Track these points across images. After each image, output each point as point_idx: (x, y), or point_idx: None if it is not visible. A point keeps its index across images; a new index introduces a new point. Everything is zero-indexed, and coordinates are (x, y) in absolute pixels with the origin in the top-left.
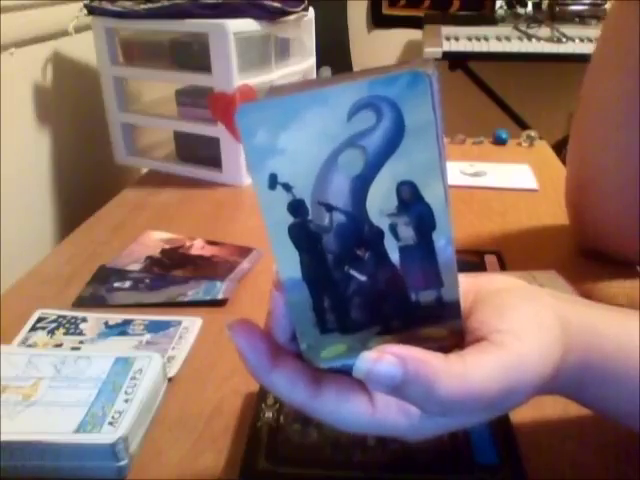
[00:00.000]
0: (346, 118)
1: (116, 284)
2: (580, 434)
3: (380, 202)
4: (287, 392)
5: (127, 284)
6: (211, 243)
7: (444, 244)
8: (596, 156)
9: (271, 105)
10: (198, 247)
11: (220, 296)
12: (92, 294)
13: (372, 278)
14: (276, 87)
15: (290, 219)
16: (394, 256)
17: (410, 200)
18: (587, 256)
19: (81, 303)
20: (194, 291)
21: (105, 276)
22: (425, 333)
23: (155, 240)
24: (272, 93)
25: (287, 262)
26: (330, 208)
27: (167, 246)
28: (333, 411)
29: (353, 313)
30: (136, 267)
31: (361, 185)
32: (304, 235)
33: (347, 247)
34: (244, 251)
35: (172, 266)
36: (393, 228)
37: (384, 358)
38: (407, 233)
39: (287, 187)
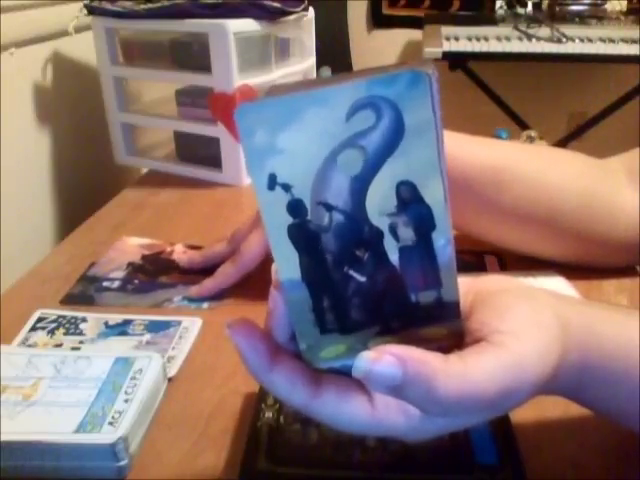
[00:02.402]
0: (345, 118)
1: (105, 283)
2: (581, 434)
3: (379, 202)
4: (286, 392)
5: (116, 284)
6: (192, 247)
7: (443, 244)
8: None
9: (270, 105)
10: (179, 252)
11: (205, 306)
12: (81, 292)
13: (371, 278)
14: (275, 86)
15: (289, 219)
16: (393, 256)
17: (409, 200)
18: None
19: (69, 301)
20: (180, 297)
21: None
22: (425, 333)
23: (132, 246)
24: (271, 93)
25: (286, 262)
26: (329, 208)
27: (147, 252)
28: (332, 412)
29: (353, 313)
30: (119, 275)
31: (360, 185)
32: (303, 235)
33: (346, 247)
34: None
35: (156, 272)
36: (392, 228)
37: (384, 358)
38: (406, 233)
39: (286, 187)
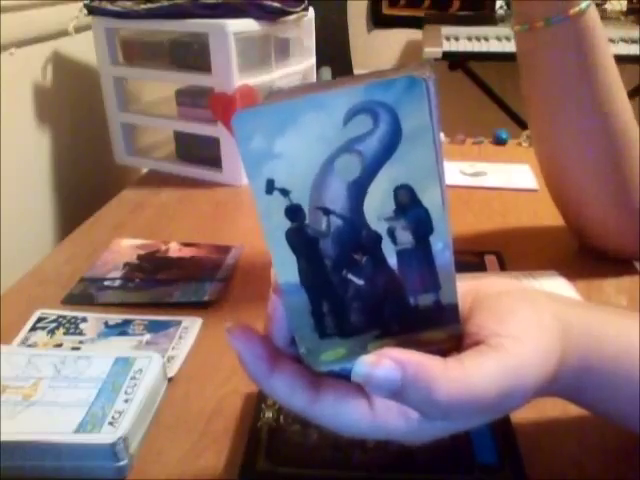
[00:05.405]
0: (342, 123)
1: (106, 282)
2: (580, 434)
3: (377, 206)
4: (286, 396)
5: (117, 283)
6: (186, 245)
7: (442, 248)
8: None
9: (267, 110)
10: (175, 250)
11: (206, 298)
12: (82, 291)
13: (370, 282)
14: (273, 92)
15: (287, 224)
16: (392, 260)
17: (407, 204)
18: (587, 253)
19: (70, 301)
20: (181, 292)
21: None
22: (424, 336)
23: (126, 247)
24: (269, 99)
25: (285, 267)
26: (327, 213)
27: (142, 251)
28: (333, 415)
29: (352, 317)
30: (117, 274)
31: (358, 189)
32: (302, 240)
33: (345, 251)
34: (222, 249)
35: (154, 270)
36: (391, 232)
37: (382, 362)
38: (405, 237)
39: (284, 192)
